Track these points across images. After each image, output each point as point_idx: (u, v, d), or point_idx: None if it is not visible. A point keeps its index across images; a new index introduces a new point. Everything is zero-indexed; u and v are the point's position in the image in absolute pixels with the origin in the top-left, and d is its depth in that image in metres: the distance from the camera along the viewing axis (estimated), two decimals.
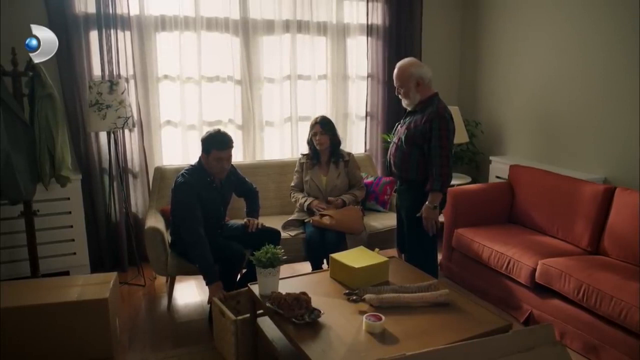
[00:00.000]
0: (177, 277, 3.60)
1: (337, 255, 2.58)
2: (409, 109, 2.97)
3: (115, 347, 2.74)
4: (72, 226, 3.59)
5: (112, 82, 3.31)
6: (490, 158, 4.36)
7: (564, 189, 3.38)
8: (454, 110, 4.15)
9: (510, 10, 4.29)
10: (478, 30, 4.65)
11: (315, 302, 2.22)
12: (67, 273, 3.56)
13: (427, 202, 2.86)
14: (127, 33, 3.62)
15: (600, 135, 3.60)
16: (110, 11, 3.53)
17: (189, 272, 3.20)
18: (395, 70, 2.93)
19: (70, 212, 3.56)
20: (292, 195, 3.62)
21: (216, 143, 2.95)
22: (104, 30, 3.54)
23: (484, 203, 3.72)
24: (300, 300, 2.13)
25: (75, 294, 2.66)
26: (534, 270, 2.98)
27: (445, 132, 2.81)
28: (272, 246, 2.38)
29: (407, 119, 2.97)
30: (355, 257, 2.56)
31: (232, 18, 3.93)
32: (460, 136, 4.11)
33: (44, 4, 3.42)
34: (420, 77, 2.86)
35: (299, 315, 2.09)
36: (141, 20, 3.68)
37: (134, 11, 3.65)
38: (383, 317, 2.07)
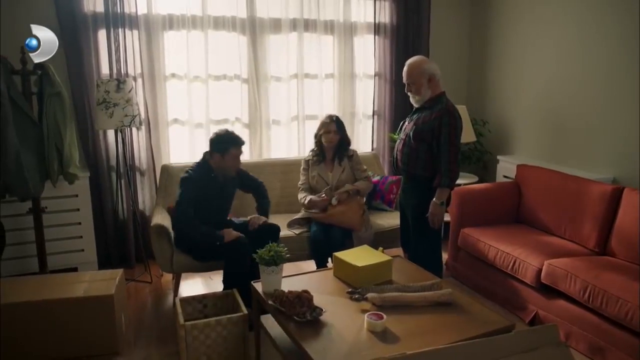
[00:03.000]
0: (184, 275, 3.63)
1: (341, 254, 2.58)
2: (417, 105, 2.97)
3: (121, 342, 2.77)
4: (80, 223, 3.63)
5: (120, 81, 3.34)
6: (498, 157, 4.34)
7: (571, 188, 3.35)
8: (461, 109, 4.12)
9: (518, 8, 4.26)
10: (486, 29, 4.62)
11: (318, 301, 2.22)
12: (75, 269, 3.60)
13: (434, 198, 2.86)
14: (135, 32, 3.65)
15: (608, 135, 3.56)
16: (119, 10, 3.56)
17: (194, 269, 3.24)
18: (406, 67, 2.93)
19: (78, 209, 3.61)
20: (300, 192, 3.59)
21: (233, 141, 3.06)
22: (112, 29, 3.57)
23: (491, 203, 3.70)
24: (302, 299, 2.14)
25: (82, 290, 2.70)
26: (540, 270, 2.95)
27: (454, 129, 2.83)
28: (275, 244, 2.39)
29: (415, 115, 2.97)
30: (359, 256, 2.56)
31: (239, 17, 3.95)
32: (467, 135, 4.09)
33: (53, 3, 3.45)
34: (432, 74, 2.87)
35: (300, 313, 2.10)
36: (149, 19, 3.70)
37: (142, 10, 3.68)
38: (384, 316, 2.08)
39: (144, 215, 3.92)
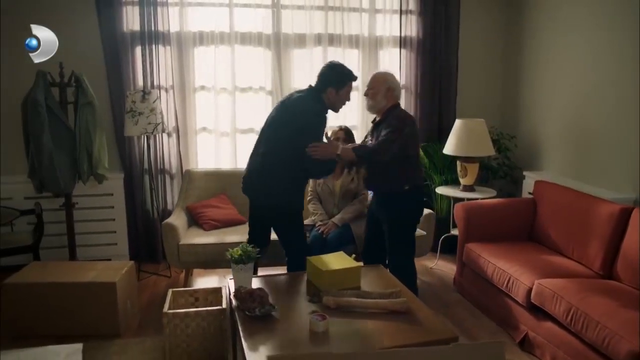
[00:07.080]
0: (202, 271, 3.92)
1: (314, 258, 2.69)
2: (369, 111, 3.13)
3: (123, 326, 3.06)
4: (114, 219, 4.06)
5: (145, 92, 3.70)
6: (524, 173, 4.19)
7: (582, 207, 3.19)
8: (479, 122, 4.06)
9: (552, 23, 4.09)
10: (521, 44, 4.47)
11: (281, 300, 2.37)
12: (109, 260, 4.00)
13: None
14: (168, 48, 4.02)
15: (635, 153, 3.33)
16: (153, 28, 3.95)
17: (200, 266, 3.49)
18: (372, 76, 3.11)
19: (113, 207, 4.04)
20: (311, 203, 3.75)
21: (351, 74, 2.93)
22: (147, 46, 3.97)
23: (502, 219, 3.60)
24: (254, 295, 2.28)
25: (91, 276, 3.04)
26: (530, 289, 2.85)
27: (398, 126, 2.89)
28: (245, 244, 2.56)
29: (374, 132, 3.05)
30: (330, 261, 2.65)
31: (265, 33, 4.20)
32: (485, 148, 4.00)
33: (98, 24, 3.91)
34: (391, 87, 3.02)
35: (251, 308, 2.25)
36: (180, 36, 4.06)
37: (174, 28, 4.04)
38: (327, 317, 2.16)
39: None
